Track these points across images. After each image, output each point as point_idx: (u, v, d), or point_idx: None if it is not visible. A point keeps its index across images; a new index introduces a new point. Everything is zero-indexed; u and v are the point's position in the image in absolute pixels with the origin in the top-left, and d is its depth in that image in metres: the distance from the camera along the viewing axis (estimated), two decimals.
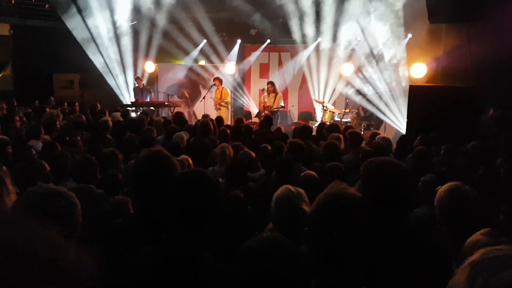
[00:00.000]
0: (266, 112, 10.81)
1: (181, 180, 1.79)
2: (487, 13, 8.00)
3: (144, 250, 1.74)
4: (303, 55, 12.49)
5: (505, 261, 0.86)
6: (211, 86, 11.54)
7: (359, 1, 10.60)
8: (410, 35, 10.88)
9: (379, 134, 6.80)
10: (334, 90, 12.26)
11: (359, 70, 11.54)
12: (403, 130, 9.47)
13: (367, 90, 11.18)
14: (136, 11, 12.09)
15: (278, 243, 1.37)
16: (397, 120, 10.72)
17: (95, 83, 12.33)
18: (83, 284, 0.71)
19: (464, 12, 8.39)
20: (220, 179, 3.82)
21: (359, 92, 11.22)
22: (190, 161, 4.48)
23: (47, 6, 11.78)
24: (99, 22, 11.77)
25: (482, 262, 0.89)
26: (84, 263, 0.73)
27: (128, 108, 10.81)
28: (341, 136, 5.95)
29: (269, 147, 5.26)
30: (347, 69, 11.63)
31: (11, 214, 1.47)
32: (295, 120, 12.72)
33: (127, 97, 12.78)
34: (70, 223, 1.60)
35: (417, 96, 8.03)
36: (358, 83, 11.46)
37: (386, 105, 10.89)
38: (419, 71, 10.46)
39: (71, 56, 11.46)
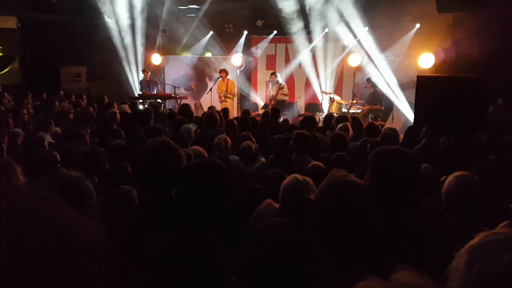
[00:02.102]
0: (272, 103, 10.81)
1: (197, 170, 1.81)
2: (496, 3, 7.90)
3: (155, 239, 1.77)
4: (310, 45, 12.41)
5: (504, 245, 0.86)
6: (218, 78, 11.52)
7: None
8: (418, 25, 10.78)
9: (383, 125, 6.80)
10: (341, 81, 12.20)
11: (366, 60, 11.46)
12: (411, 119, 9.41)
13: (376, 79, 11.11)
14: (143, 3, 12.09)
15: (287, 228, 1.39)
16: (405, 111, 10.66)
17: (102, 76, 12.38)
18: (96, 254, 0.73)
19: (473, 1, 8.29)
20: None
21: (369, 80, 11.11)
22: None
23: None
24: (107, 14, 11.79)
25: (481, 246, 0.88)
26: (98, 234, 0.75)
27: (135, 100, 10.85)
28: (348, 124, 5.96)
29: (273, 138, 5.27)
30: (355, 59, 11.54)
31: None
32: (302, 111, 12.69)
33: (135, 90, 12.82)
34: (86, 209, 1.63)
35: (425, 86, 7.97)
36: (366, 73, 11.39)
37: (395, 95, 10.84)
38: (427, 61, 10.37)
39: (78, 49, 11.50)
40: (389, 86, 10.96)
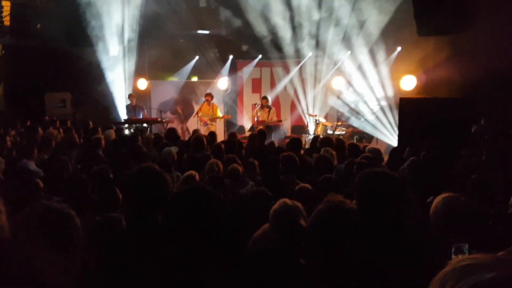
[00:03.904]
0: (260, 126, 10.84)
1: (186, 197, 1.80)
2: (475, 25, 8.13)
3: (145, 264, 1.73)
4: (295, 69, 12.60)
5: (473, 269, 0.85)
6: (203, 101, 11.57)
7: (348, 16, 10.76)
8: (399, 48, 11.03)
9: (367, 146, 6.88)
10: (325, 103, 12.36)
11: (349, 83, 11.67)
12: (394, 143, 9.52)
13: (358, 105, 11.32)
14: (129, 28, 12.17)
15: (281, 255, 1.38)
16: (389, 134, 10.79)
17: (87, 102, 12.32)
18: None
19: (452, 24, 8.53)
20: None
21: (351, 108, 11.35)
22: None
23: (38, 26, 11.82)
24: (92, 40, 11.80)
25: (450, 272, 0.88)
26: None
27: (121, 125, 10.80)
28: (334, 153, 5.98)
29: (256, 162, 5.28)
30: (338, 82, 11.76)
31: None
32: (288, 133, 12.76)
33: (120, 115, 12.76)
34: (72, 242, 1.59)
35: (407, 108, 8.12)
36: (349, 97, 11.58)
37: (378, 119, 10.99)
38: (409, 83, 10.59)
39: (63, 75, 11.47)
40: (372, 110, 11.14)
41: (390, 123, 10.74)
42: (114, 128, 9.24)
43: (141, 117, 11.65)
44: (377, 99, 11.13)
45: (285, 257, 1.35)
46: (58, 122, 9.84)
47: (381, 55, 10.96)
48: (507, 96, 7.90)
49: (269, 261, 1.32)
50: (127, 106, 11.94)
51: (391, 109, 10.72)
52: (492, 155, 5.17)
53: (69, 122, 9.95)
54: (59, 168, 4.70)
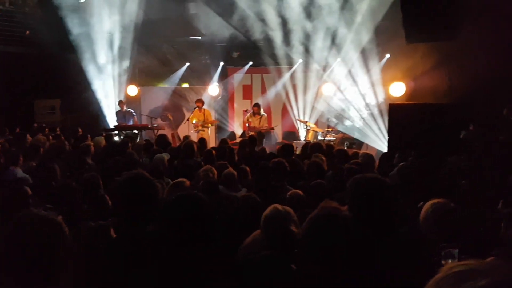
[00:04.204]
0: (251, 133, 10.86)
1: (178, 204, 1.80)
2: (463, 32, 8.23)
3: (139, 271, 1.72)
4: (285, 76, 12.65)
5: (466, 275, 0.85)
6: (195, 108, 11.58)
7: (337, 24, 10.85)
8: (388, 55, 11.13)
9: (358, 152, 6.92)
10: (316, 109, 12.43)
11: (339, 90, 11.75)
12: (384, 148, 9.58)
13: (348, 111, 11.39)
14: (119, 35, 12.14)
15: (273, 260, 1.38)
16: (378, 140, 10.85)
17: (77, 108, 12.24)
18: None
19: (441, 31, 8.62)
20: None
21: (340, 116, 11.43)
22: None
23: (27, 32, 11.74)
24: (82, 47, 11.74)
25: (445, 277, 0.88)
26: None
27: (111, 132, 10.74)
28: (324, 158, 6.00)
29: (248, 168, 5.29)
30: (328, 89, 11.84)
31: None
32: (279, 140, 12.78)
33: (110, 121, 12.69)
34: (60, 249, 1.58)
35: (397, 114, 8.19)
36: (339, 103, 11.65)
37: (367, 124, 11.06)
38: (398, 90, 10.67)
39: (53, 82, 11.38)
40: (362, 116, 11.21)
41: (380, 129, 10.80)
42: (104, 135, 9.18)
43: (131, 123, 11.60)
44: (367, 105, 11.20)
45: (276, 263, 1.35)
46: (47, 129, 9.75)
47: (370, 62, 11.04)
48: (495, 102, 8.00)
49: (260, 267, 1.32)
50: (117, 113, 11.89)
51: (381, 115, 10.79)
52: (482, 160, 5.23)
53: (58, 129, 9.86)
54: (47, 175, 4.65)
